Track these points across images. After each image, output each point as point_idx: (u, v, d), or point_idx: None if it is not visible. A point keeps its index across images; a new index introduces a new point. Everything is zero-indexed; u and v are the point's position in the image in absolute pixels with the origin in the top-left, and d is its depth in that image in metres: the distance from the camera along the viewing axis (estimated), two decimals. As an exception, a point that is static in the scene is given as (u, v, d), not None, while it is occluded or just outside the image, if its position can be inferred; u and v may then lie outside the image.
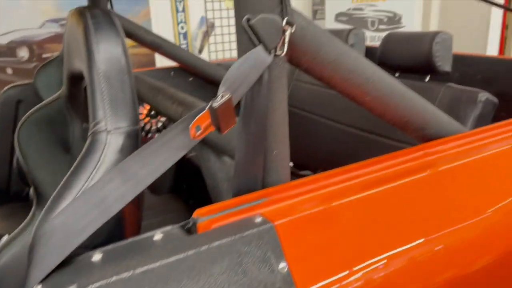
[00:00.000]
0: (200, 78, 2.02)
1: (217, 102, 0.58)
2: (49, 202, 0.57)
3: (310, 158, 1.86)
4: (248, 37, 0.62)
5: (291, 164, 1.98)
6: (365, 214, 0.70)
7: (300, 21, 0.67)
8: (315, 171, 1.83)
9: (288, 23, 0.64)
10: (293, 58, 0.70)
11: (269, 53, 0.63)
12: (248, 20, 0.62)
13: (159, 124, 1.93)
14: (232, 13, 4.13)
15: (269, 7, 0.63)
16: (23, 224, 0.95)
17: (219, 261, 0.54)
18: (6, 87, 1.73)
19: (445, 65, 1.34)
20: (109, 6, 1.77)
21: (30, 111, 0.95)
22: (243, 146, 0.67)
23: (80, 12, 0.77)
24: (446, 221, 0.77)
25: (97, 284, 0.48)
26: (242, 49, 0.64)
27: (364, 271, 0.64)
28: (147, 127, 1.88)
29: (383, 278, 0.66)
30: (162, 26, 3.84)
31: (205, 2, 4.00)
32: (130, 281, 0.49)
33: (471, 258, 0.77)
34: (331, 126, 1.70)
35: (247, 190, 0.68)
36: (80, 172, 0.59)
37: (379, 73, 0.78)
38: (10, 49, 3.36)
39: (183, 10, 3.91)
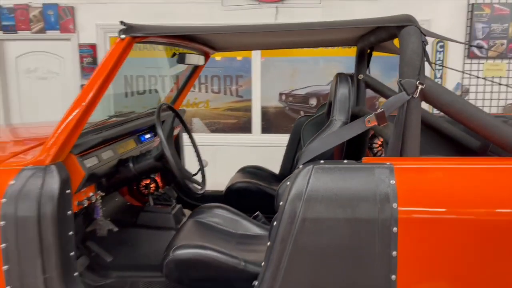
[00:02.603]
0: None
1: (377, 112, 1.43)
2: (307, 143, 1.54)
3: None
4: (400, 89, 1.45)
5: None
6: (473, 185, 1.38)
7: (428, 82, 1.45)
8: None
9: (420, 83, 1.43)
10: (426, 100, 1.47)
11: (408, 95, 1.43)
12: (400, 81, 1.45)
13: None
14: (488, 80, 4.53)
15: (413, 76, 1.44)
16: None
17: (361, 173, 1.38)
18: (300, 116, 2.93)
19: None
20: (367, 72, 2.75)
21: (309, 119, 1.97)
22: (394, 136, 1.48)
23: (337, 76, 1.75)
24: None
25: (319, 166, 1.40)
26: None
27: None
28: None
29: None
30: (419, 89, 4.63)
31: (463, 71, 4.56)
32: (328, 170, 1.40)
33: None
34: None
35: (393, 155, 1.48)
36: (321, 133, 1.53)
37: (479, 112, 1.45)
38: (304, 98, 4.82)
39: (441, 77, 4.60)
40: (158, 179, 2.58)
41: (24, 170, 1.48)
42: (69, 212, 1.53)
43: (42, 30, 4.94)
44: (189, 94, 4.95)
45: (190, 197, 2.65)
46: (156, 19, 4.79)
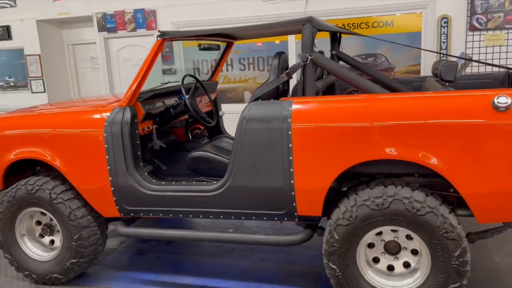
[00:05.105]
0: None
1: (285, 73, 2.65)
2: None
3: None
4: (299, 58, 2.65)
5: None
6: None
7: (316, 55, 2.63)
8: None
9: (309, 55, 2.62)
10: (315, 65, 2.65)
11: (303, 62, 2.63)
12: (299, 54, 2.65)
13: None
14: (490, 49, 5.24)
15: (306, 51, 2.63)
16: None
17: (276, 105, 2.61)
18: (296, 83, 4.12)
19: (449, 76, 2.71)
20: (340, 48, 3.86)
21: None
22: (299, 87, 2.68)
23: (276, 53, 2.95)
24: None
25: (256, 103, 2.66)
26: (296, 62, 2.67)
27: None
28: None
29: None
30: (427, 59, 5.48)
31: (466, 42, 5.32)
32: (260, 104, 2.65)
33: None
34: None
35: (298, 96, 2.68)
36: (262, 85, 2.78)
37: (347, 70, 2.59)
38: (332, 71, 5.90)
39: (446, 48, 5.39)
40: (201, 126, 4.02)
41: (114, 109, 2.96)
42: (137, 131, 2.98)
43: (134, 29, 6.64)
44: (240, 73, 6.33)
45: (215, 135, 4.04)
46: (213, 14, 6.20)
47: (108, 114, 2.96)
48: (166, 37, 2.92)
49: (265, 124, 2.63)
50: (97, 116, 2.98)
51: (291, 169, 2.61)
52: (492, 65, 3.05)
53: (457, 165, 2.35)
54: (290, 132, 2.57)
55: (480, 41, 5.27)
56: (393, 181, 2.61)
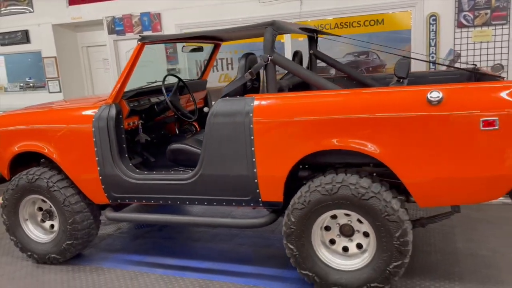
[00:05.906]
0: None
1: (248, 72, 2.92)
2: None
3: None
4: (260, 59, 2.92)
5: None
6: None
7: (275, 55, 2.89)
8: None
9: (269, 56, 2.88)
10: (275, 63, 2.92)
11: (264, 62, 2.90)
12: (260, 56, 2.92)
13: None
14: (478, 45, 5.36)
15: (267, 52, 2.90)
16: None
17: (240, 101, 2.89)
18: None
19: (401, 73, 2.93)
20: (317, 48, 4.10)
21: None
22: (265, 85, 2.96)
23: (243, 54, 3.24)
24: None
25: (223, 99, 2.96)
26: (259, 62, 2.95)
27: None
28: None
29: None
30: (417, 55, 5.63)
31: (454, 39, 5.45)
32: (226, 100, 2.94)
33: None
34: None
35: (261, 93, 2.96)
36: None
37: (302, 69, 2.84)
38: (326, 69, 6.12)
39: (435, 45, 5.54)
40: (195, 123, 4.33)
41: (101, 106, 3.31)
42: (122, 126, 3.31)
43: (140, 31, 7.02)
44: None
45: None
46: (214, 16, 6.51)
47: (96, 110, 3.31)
48: (146, 41, 3.24)
49: (230, 118, 2.91)
50: (86, 112, 3.33)
51: (254, 159, 2.88)
52: (459, 68, 3.25)
53: (397, 154, 2.58)
54: (251, 126, 2.85)
55: (468, 37, 5.40)
56: (345, 170, 2.85)
